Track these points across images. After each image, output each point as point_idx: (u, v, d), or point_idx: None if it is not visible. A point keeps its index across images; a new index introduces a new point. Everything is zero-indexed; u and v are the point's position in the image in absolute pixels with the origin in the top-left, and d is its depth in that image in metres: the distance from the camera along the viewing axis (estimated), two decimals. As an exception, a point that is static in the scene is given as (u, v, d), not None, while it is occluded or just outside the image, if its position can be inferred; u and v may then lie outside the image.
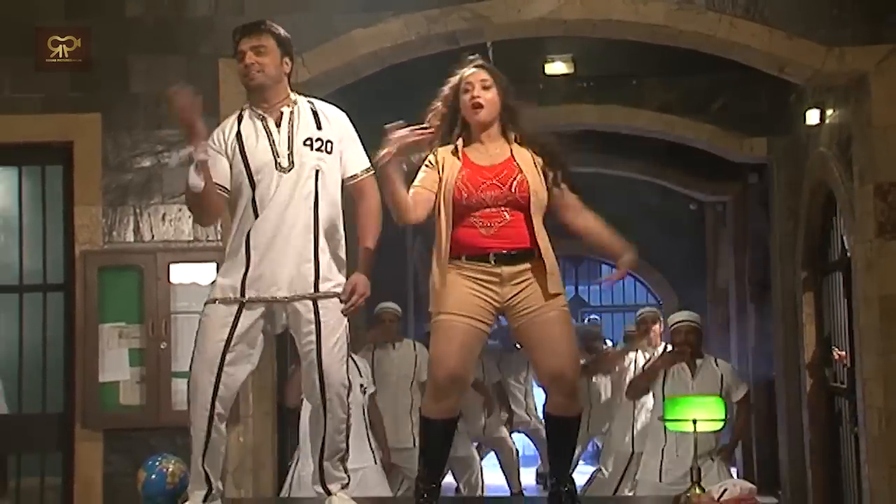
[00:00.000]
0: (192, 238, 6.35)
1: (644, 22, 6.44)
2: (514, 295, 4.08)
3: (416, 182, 4.16)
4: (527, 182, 4.10)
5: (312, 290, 4.15)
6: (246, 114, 4.28)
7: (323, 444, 4.25)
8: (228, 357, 4.13)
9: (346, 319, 4.22)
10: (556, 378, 4.10)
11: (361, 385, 6.66)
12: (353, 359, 6.63)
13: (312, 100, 4.37)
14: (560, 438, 4.27)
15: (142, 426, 6.19)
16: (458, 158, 4.16)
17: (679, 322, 6.86)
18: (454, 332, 4.05)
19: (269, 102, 4.24)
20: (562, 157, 4.23)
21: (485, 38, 6.76)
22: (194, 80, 6.34)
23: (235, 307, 4.15)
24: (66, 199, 6.47)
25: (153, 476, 3.80)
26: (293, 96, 4.30)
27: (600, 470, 8.39)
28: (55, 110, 6.41)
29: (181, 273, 6.29)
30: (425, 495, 4.21)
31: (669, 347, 7.14)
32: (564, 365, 4.07)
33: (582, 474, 11.43)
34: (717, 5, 6.39)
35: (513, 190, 4.09)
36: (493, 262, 4.07)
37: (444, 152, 4.18)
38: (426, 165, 4.18)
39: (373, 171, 4.25)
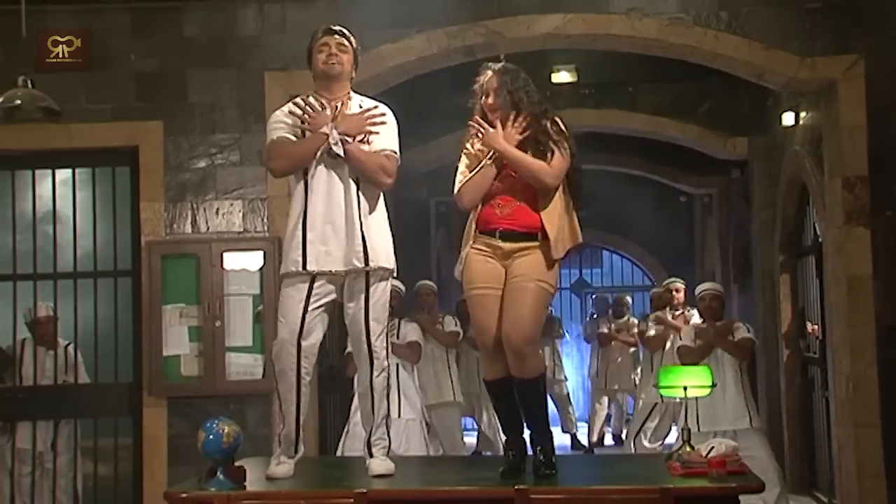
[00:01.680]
0: (242, 229, 6.37)
1: (639, 36, 6.42)
2: (512, 266, 4.10)
3: (463, 168, 4.19)
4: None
5: (363, 265, 4.12)
6: (311, 99, 4.24)
7: (372, 405, 4.23)
8: (307, 322, 4.14)
9: (388, 294, 4.25)
10: (504, 340, 4.06)
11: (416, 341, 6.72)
12: (401, 323, 6.71)
13: (363, 97, 4.35)
14: (524, 399, 4.16)
15: (200, 394, 6.22)
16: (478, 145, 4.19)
17: (704, 290, 7.12)
18: (487, 301, 4.08)
19: (332, 93, 4.24)
20: (561, 138, 4.21)
21: (498, 51, 6.74)
22: (243, 90, 6.40)
23: (308, 278, 4.14)
24: (133, 196, 6.50)
25: (211, 437, 3.81)
26: (351, 94, 4.31)
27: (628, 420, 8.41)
28: (123, 118, 6.44)
29: (233, 260, 6.31)
30: (512, 453, 4.16)
31: (696, 312, 7.46)
32: (511, 330, 4.02)
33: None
34: (703, 21, 6.36)
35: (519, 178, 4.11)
36: (497, 237, 4.10)
37: (470, 140, 4.22)
38: (466, 151, 4.22)
39: (396, 154, 4.22)
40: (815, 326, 7.75)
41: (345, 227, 4.13)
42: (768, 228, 9.02)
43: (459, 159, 4.26)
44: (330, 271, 4.14)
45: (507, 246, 4.10)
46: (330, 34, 4.26)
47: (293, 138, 4.19)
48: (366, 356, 4.20)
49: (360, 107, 4.26)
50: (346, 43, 4.26)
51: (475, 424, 10.43)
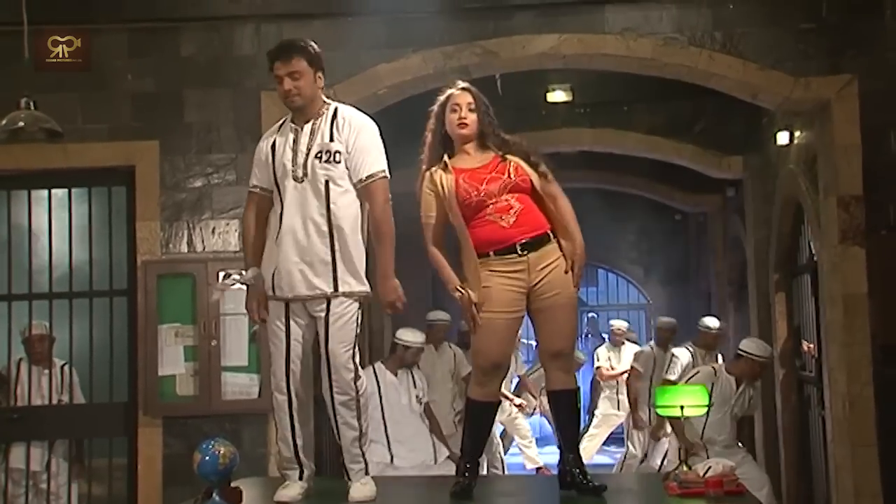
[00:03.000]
0: (237, 249, 6.34)
1: (634, 56, 6.44)
2: (539, 280, 4.04)
3: (424, 211, 4.14)
4: (521, 166, 4.07)
5: (331, 290, 4.02)
6: (286, 125, 4.19)
7: (336, 426, 4.11)
8: (292, 345, 4.08)
9: (356, 316, 4.06)
10: (557, 356, 4.09)
11: (418, 396, 6.78)
12: (412, 373, 6.82)
13: (340, 107, 4.19)
14: (564, 412, 4.18)
15: (196, 414, 6.20)
16: (449, 172, 4.11)
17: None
18: (493, 326, 4.04)
19: (305, 115, 4.14)
20: (535, 152, 4.18)
21: (494, 70, 6.77)
22: (239, 110, 6.40)
23: (284, 302, 4.08)
24: (129, 216, 6.48)
25: (207, 457, 3.79)
26: (328, 103, 4.18)
27: (628, 449, 8.42)
28: (119, 138, 6.43)
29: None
30: (466, 473, 4.17)
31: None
32: (565, 346, 4.10)
33: (609, 456, 11.49)
34: (697, 41, 6.38)
35: (511, 176, 4.05)
36: (519, 253, 4.02)
37: (437, 173, 4.13)
38: (427, 191, 4.14)
39: (383, 175, 4.08)
40: (811, 346, 7.75)
41: (311, 251, 4.02)
42: (763, 247, 9.02)
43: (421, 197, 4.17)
44: (294, 296, 4.05)
45: (533, 257, 4.04)
46: (278, 59, 4.08)
47: (260, 186, 4.20)
48: (326, 382, 4.06)
49: (339, 117, 4.11)
50: (299, 67, 4.06)
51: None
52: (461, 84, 4.25)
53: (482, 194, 4.04)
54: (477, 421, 4.24)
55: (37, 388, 6.65)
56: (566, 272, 4.06)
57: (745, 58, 6.35)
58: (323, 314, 4.04)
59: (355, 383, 4.07)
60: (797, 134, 7.56)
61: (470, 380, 4.32)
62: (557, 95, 8.98)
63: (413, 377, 6.89)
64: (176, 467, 6.10)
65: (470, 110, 4.13)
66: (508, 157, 4.11)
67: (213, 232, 6.39)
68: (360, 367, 4.11)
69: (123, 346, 6.45)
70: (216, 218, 6.39)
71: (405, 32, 6.41)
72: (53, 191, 6.65)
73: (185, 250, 6.37)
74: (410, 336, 6.93)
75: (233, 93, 6.43)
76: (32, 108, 5.42)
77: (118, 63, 6.47)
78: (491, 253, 4.04)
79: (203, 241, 6.38)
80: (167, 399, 6.26)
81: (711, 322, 8.56)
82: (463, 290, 4.03)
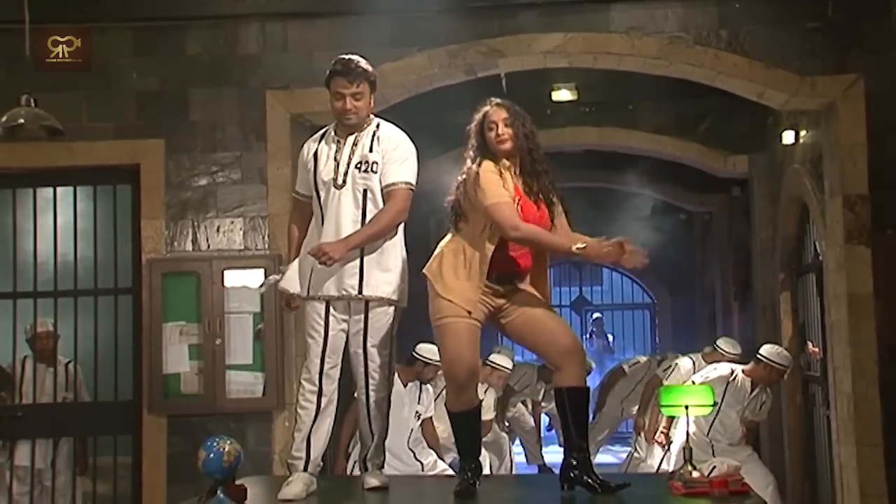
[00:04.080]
0: (242, 247, 6.36)
1: (639, 54, 6.43)
2: (506, 301, 4.13)
3: (494, 192, 4.01)
4: (547, 215, 4.12)
5: (356, 293, 4.20)
6: (329, 134, 4.36)
7: (370, 425, 4.32)
8: (329, 341, 4.24)
9: (392, 320, 4.30)
10: (572, 352, 4.08)
11: (418, 412, 6.78)
12: (421, 388, 6.83)
13: (382, 122, 4.38)
14: (578, 409, 4.13)
15: (200, 412, 6.21)
16: (510, 178, 4.11)
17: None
18: (466, 329, 4.04)
19: (351, 129, 4.30)
20: (557, 192, 4.21)
21: (499, 69, 6.77)
22: (244, 109, 6.41)
23: (325, 301, 4.24)
24: (134, 214, 6.50)
25: (211, 455, 3.79)
26: (371, 118, 4.35)
27: (635, 450, 8.39)
28: (124, 136, 6.45)
29: (233, 278, 6.29)
30: (469, 473, 4.18)
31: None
32: (575, 340, 4.13)
33: (614, 455, 11.46)
34: (703, 40, 6.38)
35: (545, 221, 4.11)
36: (502, 287, 4.11)
37: (495, 165, 4.10)
38: (491, 173, 4.05)
39: (406, 185, 4.25)
40: (816, 349, 7.73)
41: (350, 256, 4.16)
42: (768, 246, 9.01)
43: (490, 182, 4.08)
44: (328, 296, 4.22)
45: (508, 288, 4.13)
46: (346, 77, 4.23)
47: (302, 193, 4.38)
48: (363, 381, 4.30)
49: (381, 131, 4.30)
50: (363, 89, 4.24)
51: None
52: (495, 101, 4.23)
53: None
54: (462, 430, 4.26)
55: (41, 385, 6.66)
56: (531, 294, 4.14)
57: (751, 57, 6.34)
58: (361, 316, 4.24)
59: (389, 382, 4.35)
60: (803, 133, 7.55)
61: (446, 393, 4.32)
62: (563, 94, 8.97)
63: (421, 392, 6.88)
64: (180, 465, 6.10)
65: (506, 125, 4.13)
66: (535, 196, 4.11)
67: (217, 230, 6.39)
68: (394, 369, 4.39)
69: (128, 344, 6.46)
70: (221, 216, 6.39)
71: (410, 31, 6.41)
72: (58, 189, 6.66)
73: (190, 248, 6.38)
74: (432, 353, 6.86)
75: (238, 91, 6.44)
76: (33, 105, 5.43)
77: (123, 61, 6.48)
78: (494, 275, 4.07)
79: (208, 240, 6.39)
80: (172, 397, 6.27)
81: (728, 346, 8.21)
82: (585, 244, 4.00)
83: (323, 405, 4.25)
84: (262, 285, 4.77)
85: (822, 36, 6.33)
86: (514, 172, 4.14)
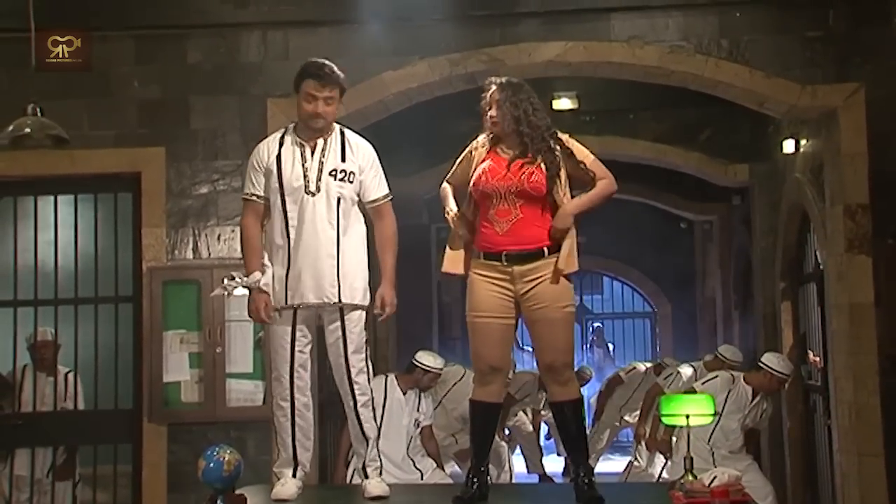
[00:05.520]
0: (243, 255, 6.35)
1: (640, 64, 6.44)
2: (527, 290, 4.07)
3: (449, 176, 4.31)
4: (542, 175, 4.07)
5: (336, 300, 4.22)
6: (288, 138, 4.32)
7: (361, 431, 4.33)
8: (296, 355, 4.26)
9: (363, 322, 4.33)
10: (550, 369, 4.14)
11: (418, 420, 6.77)
12: (420, 396, 6.82)
13: (346, 130, 4.39)
14: (566, 423, 4.22)
15: (200, 421, 6.20)
16: (486, 150, 4.20)
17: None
18: (487, 329, 4.12)
19: (314, 133, 4.29)
20: (582, 154, 4.27)
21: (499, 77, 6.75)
22: (245, 117, 6.41)
23: (292, 311, 4.25)
24: (135, 222, 6.49)
25: (211, 464, 3.80)
26: (333, 129, 4.35)
27: (635, 459, 8.36)
28: (125, 145, 6.45)
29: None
30: (474, 480, 4.17)
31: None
32: (557, 358, 4.11)
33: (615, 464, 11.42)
34: (704, 49, 6.38)
35: (522, 181, 4.06)
36: (504, 263, 4.09)
37: (479, 142, 4.25)
38: (466, 152, 4.26)
39: (390, 197, 4.37)
40: (817, 358, 7.72)
41: (322, 262, 4.19)
42: (769, 255, 9.01)
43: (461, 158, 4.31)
44: (306, 303, 4.23)
45: (517, 269, 4.08)
46: (319, 81, 4.24)
47: (260, 195, 4.31)
48: (347, 387, 4.31)
49: (342, 144, 4.31)
50: (334, 94, 4.26)
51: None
52: (494, 80, 4.27)
53: (490, 188, 4.09)
54: (479, 422, 4.26)
55: (41, 394, 6.64)
56: (555, 283, 4.06)
57: (752, 66, 6.35)
58: (338, 323, 4.25)
59: (370, 385, 4.38)
60: (803, 142, 7.55)
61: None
62: (563, 103, 8.97)
63: (420, 400, 6.87)
64: (180, 474, 6.09)
65: (498, 107, 4.15)
66: (540, 158, 4.10)
67: (218, 238, 6.39)
68: (371, 370, 4.39)
69: (128, 352, 6.45)
70: (222, 224, 6.39)
71: (411, 40, 6.42)
72: (59, 197, 6.65)
73: (191, 257, 6.38)
74: (430, 360, 6.86)
75: (239, 100, 6.44)
76: (39, 114, 5.43)
77: (124, 70, 6.48)
78: (481, 255, 4.14)
79: (209, 248, 6.38)
80: (172, 406, 6.26)
81: (729, 354, 8.17)
82: (456, 215, 4.20)
83: (298, 417, 4.29)
84: (223, 288, 4.64)
85: (822, 45, 6.33)
86: (513, 145, 4.17)
